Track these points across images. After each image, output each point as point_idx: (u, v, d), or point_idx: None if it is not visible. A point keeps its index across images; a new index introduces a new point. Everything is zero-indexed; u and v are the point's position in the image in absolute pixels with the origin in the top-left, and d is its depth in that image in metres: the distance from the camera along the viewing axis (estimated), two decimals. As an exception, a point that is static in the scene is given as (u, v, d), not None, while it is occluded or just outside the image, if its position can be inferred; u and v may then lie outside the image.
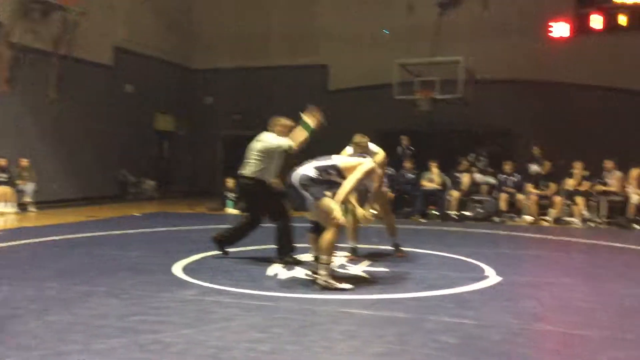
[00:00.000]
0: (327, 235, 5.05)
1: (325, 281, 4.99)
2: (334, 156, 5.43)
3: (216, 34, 19.17)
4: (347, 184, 5.15)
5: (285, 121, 6.64)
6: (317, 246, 5.30)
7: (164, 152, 18.63)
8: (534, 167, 12.52)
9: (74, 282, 5.23)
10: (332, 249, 5.09)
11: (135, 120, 16.84)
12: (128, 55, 16.57)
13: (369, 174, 5.30)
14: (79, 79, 14.65)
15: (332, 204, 5.09)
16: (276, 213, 6.48)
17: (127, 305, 4.42)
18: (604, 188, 11.17)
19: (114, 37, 16.11)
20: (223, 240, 6.66)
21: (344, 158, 5.51)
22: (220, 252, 6.62)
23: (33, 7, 13.15)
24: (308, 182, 5.15)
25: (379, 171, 6.31)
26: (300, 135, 6.42)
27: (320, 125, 6.54)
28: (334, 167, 5.26)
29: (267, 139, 6.49)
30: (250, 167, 6.49)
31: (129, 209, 13.42)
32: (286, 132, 6.54)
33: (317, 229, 5.35)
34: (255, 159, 6.48)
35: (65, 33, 13.90)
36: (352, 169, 5.24)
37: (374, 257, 6.68)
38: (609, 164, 11.38)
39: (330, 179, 5.22)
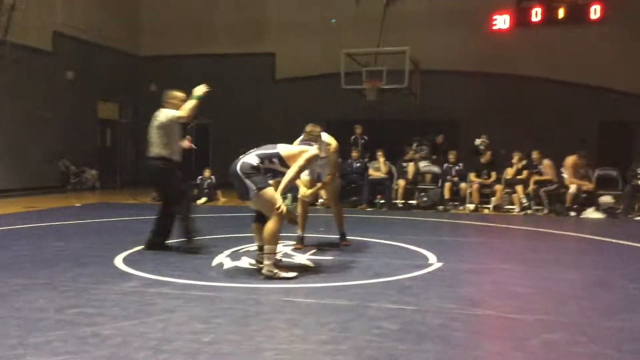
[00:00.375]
0: (271, 225, 5.03)
1: (270, 270, 4.99)
2: (279, 145, 5.40)
3: (162, 21, 18.77)
4: (290, 173, 5.15)
5: (176, 93, 6.65)
6: (260, 236, 5.29)
7: (107, 141, 18.15)
8: (478, 141, 12.94)
9: (12, 274, 5.06)
10: (276, 238, 5.08)
11: (77, 108, 16.34)
12: (69, 41, 16.03)
13: (311, 161, 5.30)
14: (17, 65, 14.08)
15: (275, 193, 5.08)
16: (177, 195, 6.31)
17: (67, 297, 4.31)
18: (538, 178, 11.54)
19: (53, 21, 15.54)
20: (154, 244, 6.36)
21: (287, 146, 5.44)
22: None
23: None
24: (250, 170, 5.11)
25: (334, 159, 6.34)
26: (188, 103, 6.43)
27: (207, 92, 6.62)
28: (277, 155, 5.24)
29: (161, 115, 6.43)
30: (152, 147, 6.39)
31: (70, 199, 13.06)
32: (179, 104, 6.52)
33: (261, 219, 5.34)
34: (155, 138, 6.38)
35: (2, 16, 13.32)
36: (294, 157, 5.23)
37: (321, 245, 6.73)
38: (536, 154, 11.78)
39: (273, 168, 5.21)
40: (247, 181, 5.08)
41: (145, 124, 19.51)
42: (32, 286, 4.66)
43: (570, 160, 11.31)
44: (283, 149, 5.35)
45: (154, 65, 18.91)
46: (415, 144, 13.31)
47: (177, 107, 6.46)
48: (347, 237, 6.94)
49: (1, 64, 13.59)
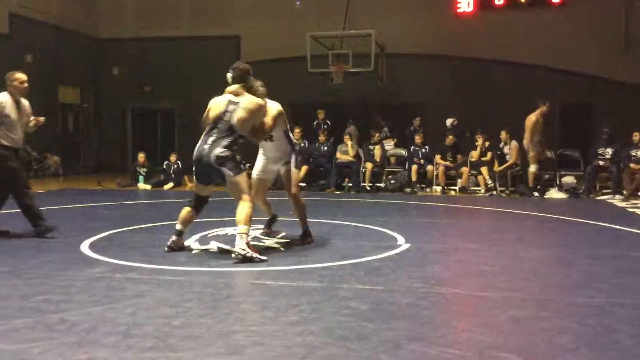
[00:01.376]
0: (245, 209, 5.11)
1: (243, 249, 4.95)
2: (231, 120, 5.23)
3: (122, 2, 18.35)
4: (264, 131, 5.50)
5: (17, 75, 6.40)
6: (184, 219, 5.43)
7: (69, 126, 17.73)
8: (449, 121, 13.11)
9: (-29, 263, 4.93)
10: (250, 220, 5.12)
11: (37, 93, 15.78)
12: (26, 23, 15.54)
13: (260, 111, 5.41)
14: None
15: (247, 179, 5.17)
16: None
17: (31, 285, 4.22)
18: (501, 166, 11.75)
19: (8, 2, 15.04)
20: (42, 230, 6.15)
21: (238, 117, 5.24)
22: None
23: None
24: (224, 160, 5.14)
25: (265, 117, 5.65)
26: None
27: None
28: (238, 136, 5.26)
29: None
30: None
31: (33, 186, 12.72)
32: (19, 86, 6.34)
33: (198, 205, 5.50)
34: None
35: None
36: (248, 122, 5.30)
37: (290, 228, 6.72)
38: (504, 135, 11.98)
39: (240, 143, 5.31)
40: (223, 169, 5.15)
41: (108, 108, 19.28)
42: (-6, 274, 4.55)
43: (532, 117, 11.28)
44: (233, 119, 5.24)
45: (115, 48, 18.50)
46: (375, 124, 13.47)
47: (19, 90, 6.27)
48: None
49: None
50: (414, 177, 12.04)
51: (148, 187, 12.69)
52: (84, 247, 5.62)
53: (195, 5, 18.11)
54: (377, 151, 12.59)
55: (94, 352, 2.92)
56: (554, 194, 11.22)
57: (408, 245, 5.82)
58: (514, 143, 11.84)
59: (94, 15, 18.44)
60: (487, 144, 12.10)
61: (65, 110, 17.45)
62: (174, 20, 18.08)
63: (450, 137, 12.27)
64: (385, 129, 13.58)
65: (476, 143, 12.11)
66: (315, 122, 13.79)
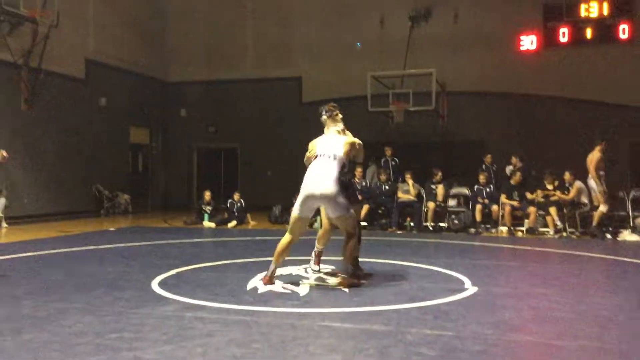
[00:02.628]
0: (352, 242, 5.79)
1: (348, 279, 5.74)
2: (333, 153, 5.76)
3: (190, 47, 19.15)
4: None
5: None
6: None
7: (139, 166, 18.45)
8: (509, 169, 12.79)
9: (49, 299, 5.13)
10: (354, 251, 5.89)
11: (109, 134, 16.67)
12: (100, 68, 16.42)
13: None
14: (51, 92, 14.46)
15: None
16: None
17: (105, 322, 4.35)
18: (559, 195, 11.37)
19: (85, 49, 15.97)
20: None
21: (336, 145, 5.82)
22: None
23: (2, 20, 12.97)
24: (340, 192, 5.65)
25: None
26: None
27: None
28: (343, 164, 5.80)
29: None
30: None
31: (104, 223, 13.25)
32: None
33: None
34: None
35: (36, 45, 13.74)
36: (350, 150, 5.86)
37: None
38: (568, 175, 11.60)
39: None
40: (338, 200, 5.61)
41: (175, 148, 19.89)
42: (70, 310, 4.72)
43: (595, 155, 11.00)
44: (338, 150, 5.77)
45: (182, 91, 19.25)
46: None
47: None
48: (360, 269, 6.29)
49: (36, 91, 13.97)
50: (478, 217, 11.78)
51: (212, 225, 12.95)
52: (155, 284, 5.76)
53: (259, 49, 18.67)
54: (439, 190, 12.44)
55: (167, 392, 2.96)
56: (627, 235, 10.73)
57: (476, 288, 5.67)
58: (577, 183, 11.45)
59: (163, 60, 19.30)
60: (555, 183, 11.74)
61: (135, 150, 18.19)
62: (238, 63, 18.68)
63: (517, 175, 11.95)
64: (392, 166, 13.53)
65: (544, 182, 11.76)
66: (382, 160, 13.77)
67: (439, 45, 16.15)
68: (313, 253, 6.40)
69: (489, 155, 13.37)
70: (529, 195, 11.84)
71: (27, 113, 13.95)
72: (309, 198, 5.62)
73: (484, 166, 13.08)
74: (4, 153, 6.55)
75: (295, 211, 5.74)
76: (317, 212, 6.61)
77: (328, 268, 6.61)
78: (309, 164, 5.87)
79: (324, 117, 6.16)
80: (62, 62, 14.87)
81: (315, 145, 5.92)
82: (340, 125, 6.13)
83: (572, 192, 11.40)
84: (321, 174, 5.62)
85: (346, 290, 5.59)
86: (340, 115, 6.19)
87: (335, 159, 5.70)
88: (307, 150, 6.01)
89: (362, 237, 6.54)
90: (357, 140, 6.00)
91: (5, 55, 13.23)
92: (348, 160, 5.93)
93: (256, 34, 18.74)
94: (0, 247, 9.20)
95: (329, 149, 5.78)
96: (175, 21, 19.43)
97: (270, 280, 5.73)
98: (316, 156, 5.80)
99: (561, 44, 15.80)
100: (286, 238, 5.74)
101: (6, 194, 12.57)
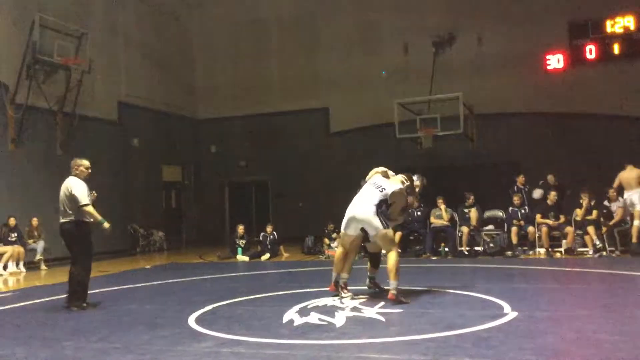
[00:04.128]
0: (394, 257, 6.35)
1: (396, 296, 6.19)
2: (377, 182, 6.61)
3: (218, 83, 19.54)
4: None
5: (80, 162, 7.26)
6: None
7: (172, 203, 18.72)
8: (538, 192, 12.49)
9: (90, 339, 5.20)
10: (399, 268, 6.37)
11: (143, 173, 17.01)
12: (132, 110, 16.85)
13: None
14: (85, 135, 14.87)
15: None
16: (83, 255, 7.03)
17: (144, 361, 4.39)
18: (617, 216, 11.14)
19: (117, 92, 16.44)
20: (73, 299, 6.89)
21: (390, 183, 6.63)
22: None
23: (37, 68, 13.46)
24: (376, 214, 6.37)
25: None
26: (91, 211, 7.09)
27: None
28: (386, 201, 6.51)
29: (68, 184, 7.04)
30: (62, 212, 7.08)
31: (140, 261, 13.42)
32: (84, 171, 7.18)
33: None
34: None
35: (70, 91, 14.20)
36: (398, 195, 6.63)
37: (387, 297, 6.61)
38: (612, 192, 11.35)
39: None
40: (375, 221, 6.35)
41: (207, 184, 20.09)
42: (110, 350, 4.77)
43: (635, 173, 11.14)
44: (390, 187, 6.58)
45: (212, 128, 19.59)
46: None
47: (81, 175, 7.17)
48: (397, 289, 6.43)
49: (71, 135, 14.37)
50: (514, 240, 11.57)
51: (246, 258, 13.01)
52: (191, 321, 5.79)
53: (285, 81, 18.94)
54: (472, 214, 12.29)
55: None
56: (669, 252, 10.41)
57: (515, 313, 5.55)
58: (621, 201, 11.19)
59: (192, 98, 19.72)
60: (592, 202, 11.49)
61: (168, 188, 18.49)
62: (265, 97, 18.97)
63: (553, 195, 11.72)
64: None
65: (581, 201, 11.50)
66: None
67: (464, 69, 16.16)
68: (339, 286, 6.77)
69: (521, 176, 13.12)
70: (564, 216, 11.59)
71: (63, 157, 14.34)
72: (350, 219, 6.57)
73: (516, 187, 12.88)
74: (95, 193, 7.34)
75: (342, 229, 6.72)
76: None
77: (363, 298, 6.56)
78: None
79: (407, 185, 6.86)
80: (95, 106, 15.32)
81: (371, 176, 6.85)
82: (396, 176, 6.91)
83: (619, 213, 11.13)
84: (361, 199, 6.54)
85: (383, 319, 5.53)
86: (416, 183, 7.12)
87: (377, 188, 6.56)
88: (355, 177, 7.36)
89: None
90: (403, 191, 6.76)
91: (41, 102, 13.68)
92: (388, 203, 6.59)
93: (282, 67, 19.04)
94: (40, 289, 9.38)
95: (376, 179, 6.70)
96: (202, 60, 19.90)
97: (334, 287, 6.66)
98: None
99: (588, 61, 15.65)
100: (339, 249, 6.83)
101: (45, 237, 12.85)
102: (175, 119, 18.75)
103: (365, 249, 7.70)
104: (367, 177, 6.91)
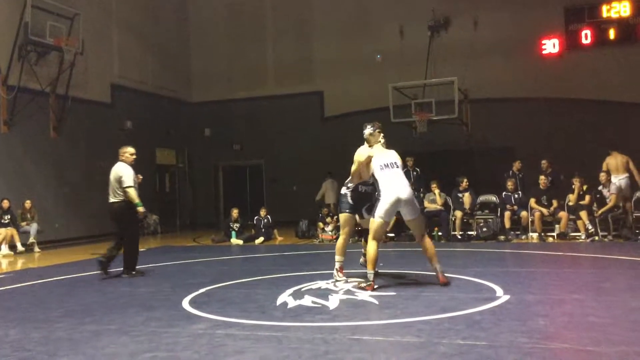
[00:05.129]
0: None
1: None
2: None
3: (212, 67, 19.41)
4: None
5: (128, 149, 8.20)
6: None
7: (166, 186, 18.67)
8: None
9: (83, 321, 5.21)
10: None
11: (137, 156, 16.87)
12: (125, 92, 16.73)
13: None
14: (78, 117, 14.78)
15: None
16: (131, 230, 7.96)
17: (138, 342, 4.40)
18: (613, 201, 11.19)
19: (110, 74, 16.30)
20: (104, 263, 7.85)
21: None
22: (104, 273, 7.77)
23: (30, 49, 13.32)
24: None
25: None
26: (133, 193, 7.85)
27: None
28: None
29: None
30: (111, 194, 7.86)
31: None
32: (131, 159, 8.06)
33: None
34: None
35: (63, 73, 14.07)
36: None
37: (382, 280, 6.65)
38: (603, 177, 11.41)
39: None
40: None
41: (201, 168, 20.11)
42: (103, 332, 4.78)
43: (624, 159, 11.27)
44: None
45: (206, 111, 19.49)
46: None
47: (127, 160, 8.06)
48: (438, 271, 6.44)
49: (64, 118, 14.28)
50: (507, 224, 11.63)
51: (240, 242, 13.02)
52: (185, 303, 5.81)
53: (280, 65, 18.84)
54: (466, 198, 12.33)
55: (201, 410, 2.98)
56: (661, 237, 10.49)
57: (508, 296, 5.59)
58: (614, 186, 11.24)
59: (186, 82, 19.60)
60: (584, 187, 11.54)
61: (162, 171, 18.42)
62: (259, 81, 18.88)
63: (542, 178, 11.75)
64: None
65: (573, 186, 11.56)
66: (404, 170, 13.71)
67: (459, 53, 16.10)
68: (335, 269, 6.70)
69: (517, 162, 13.15)
70: (557, 201, 11.63)
71: (56, 139, 14.27)
72: (396, 202, 6.15)
73: (510, 172, 12.91)
74: (140, 177, 8.22)
75: (381, 217, 6.18)
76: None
77: (356, 281, 6.59)
78: (357, 174, 6.57)
79: (369, 131, 6.63)
80: (88, 88, 15.21)
81: (375, 154, 6.43)
82: (382, 139, 6.65)
83: (614, 198, 11.17)
84: (401, 181, 6.26)
85: (377, 302, 5.56)
86: (382, 134, 6.70)
87: (399, 167, 6.39)
88: (349, 162, 6.63)
89: (390, 249, 6.62)
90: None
91: (33, 84, 13.57)
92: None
93: (276, 51, 18.93)
94: (33, 271, 9.38)
95: (392, 159, 6.41)
96: (197, 42, 19.74)
97: (373, 288, 6.12)
98: (381, 166, 6.32)
99: (584, 46, 15.63)
100: (374, 245, 6.23)
101: (38, 219, 12.82)
102: (169, 101, 18.64)
103: (360, 232, 7.68)
104: (359, 158, 6.55)
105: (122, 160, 8.00)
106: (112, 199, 7.84)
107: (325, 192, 16.10)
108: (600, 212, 11.10)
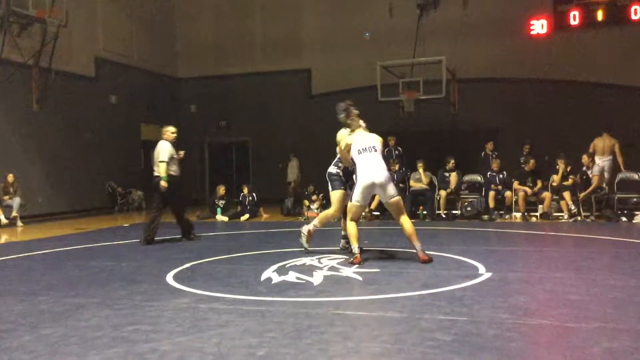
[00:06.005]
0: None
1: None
2: (370, 145, 6.48)
3: (199, 42, 19.17)
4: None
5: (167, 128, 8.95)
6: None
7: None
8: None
9: (66, 294, 5.19)
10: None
11: (121, 131, 16.75)
12: (110, 66, 16.50)
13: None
14: (62, 91, 14.57)
15: None
16: (176, 201, 8.76)
17: (122, 315, 4.39)
18: (596, 182, 11.31)
19: (94, 48, 16.04)
20: (150, 240, 8.46)
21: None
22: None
23: (12, 21, 13.06)
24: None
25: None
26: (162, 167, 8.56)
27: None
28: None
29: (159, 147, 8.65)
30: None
31: (118, 220, 13.35)
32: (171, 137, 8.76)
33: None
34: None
35: (46, 45, 13.82)
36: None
37: (365, 257, 6.69)
38: (585, 158, 11.52)
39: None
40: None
41: (186, 144, 20.02)
42: (87, 305, 4.77)
43: (611, 142, 11.59)
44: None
45: (192, 87, 19.30)
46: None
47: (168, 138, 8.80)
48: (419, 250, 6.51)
49: (47, 91, 14.07)
50: (491, 204, 11.72)
51: (225, 218, 13.01)
52: (169, 278, 5.81)
53: (267, 42, 18.66)
54: (452, 178, 12.39)
55: (183, 382, 3.00)
56: (642, 218, 10.64)
57: (490, 274, 5.65)
58: (597, 167, 11.35)
59: (172, 56, 19.35)
60: (568, 168, 11.64)
61: (147, 147, 18.23)
62: (246, 58, 18.69)
63: (531, 162, 11.84)
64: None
65: (557, 167, 11.65)
66: (386, 149, 13.74)
67: (448, 33, 16.01)
68: (308, 231, 7.15)
69: (490, 143, 13.31)
70: (541, 182, 11.73)
71: (39, 113, 14.07)
72: (371, 186, 6.36)
73: (483, 154, 13.06)
74: (181, 154, 9.07)
75: (358, 201, 6.45)
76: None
77: (341, 258, 6.62)
78: (345, 157, 6.68)
79: (343, 116, 6.72)
80: (72, 61, 14.97)
81: (353, 141, 6.56)
82: (362, 123, 6.72)
83: (596, 179, 11.27)
84: (377, 165, 6.39)
85: (360, 279, 5.60)
86: (356, 111, 6.69)
87: (377, 151, 6.48)
88: (334, 143, 6.81)
89: (375, 227, 6.71)
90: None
91: (16, 56, 13.33)
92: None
93: (264, 27, 18.73)
94: (16, 245, 9.31)
95: (371, 143, 6.52)
96: (183, 17, 19.46)
97: (360, 260, 6.30)
98: (359, 150, 6.46)
99: (572, 27, 15.61)
100: (353, 224, 6.50)
101: (20, 193, 12.70)
102: (155, 76, 18.42)
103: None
104: (339, 145, 6.79)
105: (163, 139, 8.74)
106: (155, 173, 8.61)
107: (289, 169, 16.86)
108: (583, 194, 11.21)
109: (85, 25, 15.53)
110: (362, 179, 6.37)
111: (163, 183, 8.40)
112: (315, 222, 7.17)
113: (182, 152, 9.08)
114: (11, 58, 13.26)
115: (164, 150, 8.57)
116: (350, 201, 6.55)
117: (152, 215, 8.70)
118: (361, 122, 6.72)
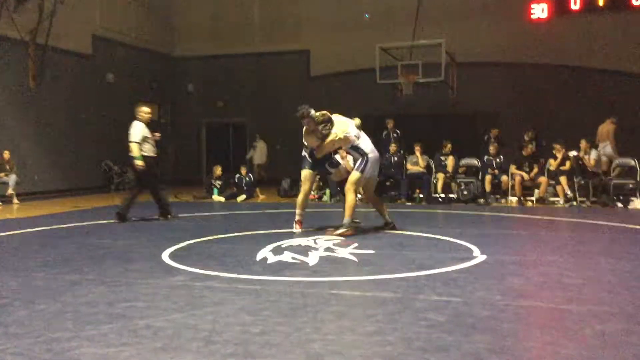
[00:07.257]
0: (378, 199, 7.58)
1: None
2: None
3: (197, 21, 19.02)
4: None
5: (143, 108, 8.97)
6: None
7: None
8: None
9: (62, 271, 5.20)
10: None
11: (117, 109, 16.63)
12: (107, 44, 16.36)
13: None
14: (59, 68, 14.47)
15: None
16: (150, 180, 8.80)
17: (117, 292, 4.41)
18: (586, 162, 11.33)
19: (92, 25, 15.91)
20: (163, 213, 8.89)
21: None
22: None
23: (9, -4, 12.93)
24: None
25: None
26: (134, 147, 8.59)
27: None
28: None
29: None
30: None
31: (114, 198, 13.32)
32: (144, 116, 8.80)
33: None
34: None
35: (42, 22, 13.69)
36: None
37: (361, 238, 6.71)
38: (584, 144, 11.52)
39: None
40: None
41: (184, 123, 19.94)
42: (82, 282, 4.78)
43: (610, 127, 11.56)
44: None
45: (190, 66, 19.18)
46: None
47: (142, 118, 8.83)
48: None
49: (44, 68, 13.96)
50: (487, 188, 11.74)
51: (222, 199, 13.01)
52: (165, 256, 5.81)
53: (266, 23, 18.52)
54: (449, 161, 12.39)
55: (178, 358, 3.01)
56: (637, 204, 10.67)
57: (485, 257, 5.68)
58: (594, 152, 11.36)
59: (170, 35, 19.19)
60: (566, 152, 11.64)
61: (143, 126, 18.17)
62: (245, 38, 18.55)
63: (529, 147, 11.85)
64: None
65: (554, 152, 11.66)
66: (384, 133, 13.74)
67: (448, 15, 15.93)
68: (294, 222, 7.37)
69: (495, 130, 13.29)
70: (538, 167, 11.74)
71: (35, 90, 13.98)
72: (378, 161, 7.28)
73: (486, 137, 13.04)
74: (157, 135, 9.12)
75: (369, 174, 7.09)
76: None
77: (337, 239, 6.64)
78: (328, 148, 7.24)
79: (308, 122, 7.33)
80: (69, 38, 14.84)
81: (348, 125, 7.14)
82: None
83: (592, 161, 11.31)
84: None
85: (356, 260, 5.61)
86: (315, 114, 7.32)
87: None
88: (328, 121, 7.19)
89: (371, 210, 7.06)
90: None
91: (12, 32, 13.21)
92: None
93: (263, 7, 18.58)
94: (12, 222, 9.31)
95: (353, 126, 7.23)
96: (182, -5, 19.28)
97: (354, 232, 6.93)
98: (356, 135, 7.11)
99: (573, 12, 15.53)
100: (352, 195, 7.02)
101: (17, 171, 12.67)
102: (152, 55, 18.29)
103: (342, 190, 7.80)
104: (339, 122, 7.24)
105: (136, 119, 8.75)
106: (130, 153, 8.60)
107: (256, 153, 17.30)
108: (586, 180, 11.24)
109: (83, 2, 15.36)
110: (373, 155, 7.10)
111: (139, 162, 8.49)
112: (297, 212, 7.43)
113: (157, 134, 9.15)
114: (7, 34, 13.14)
115: (135, 130, 8.61)
116: (361, 173, 7.01)
117: (130, 193, 8.91)
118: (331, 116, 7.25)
